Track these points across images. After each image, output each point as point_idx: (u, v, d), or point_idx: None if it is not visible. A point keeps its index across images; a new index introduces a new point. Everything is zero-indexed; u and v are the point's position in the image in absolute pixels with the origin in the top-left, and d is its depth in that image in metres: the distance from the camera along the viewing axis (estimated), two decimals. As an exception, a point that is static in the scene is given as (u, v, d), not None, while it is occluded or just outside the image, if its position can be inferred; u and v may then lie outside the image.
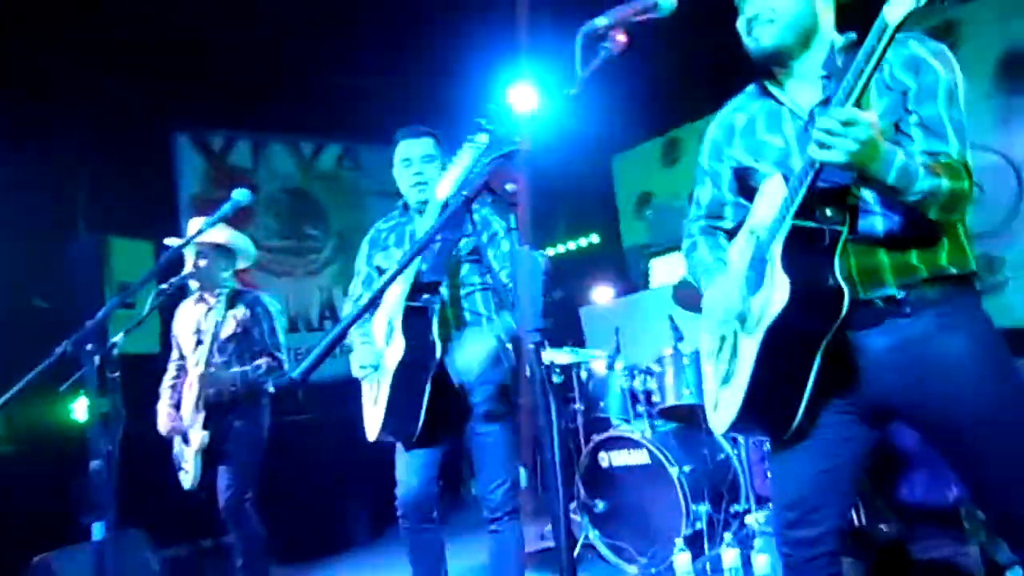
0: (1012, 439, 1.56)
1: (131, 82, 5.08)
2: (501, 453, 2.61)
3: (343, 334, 1.23)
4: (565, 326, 5.29)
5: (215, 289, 3.61)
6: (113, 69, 4.96)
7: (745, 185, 1.84)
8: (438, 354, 2.42)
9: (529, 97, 6.76)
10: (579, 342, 5.28)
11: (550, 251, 7.01)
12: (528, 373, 1.26)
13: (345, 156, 6.39)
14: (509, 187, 1.30)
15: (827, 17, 1.71)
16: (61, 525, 4.31)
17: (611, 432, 3.73)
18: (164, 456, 3.68)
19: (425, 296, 2.46)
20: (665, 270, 5.83)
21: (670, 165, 6.91)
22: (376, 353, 2.56)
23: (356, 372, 2.62)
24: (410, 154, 2.67)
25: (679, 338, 3.70)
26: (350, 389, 2.86)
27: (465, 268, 2.62)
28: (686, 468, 3.44)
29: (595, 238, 7.16)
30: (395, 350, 2.47)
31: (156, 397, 3.74)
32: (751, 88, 1.85)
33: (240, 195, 2.56)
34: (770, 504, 3.45)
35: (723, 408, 1.77)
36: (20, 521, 4.19)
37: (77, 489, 4.37)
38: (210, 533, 4.79)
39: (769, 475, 3.40)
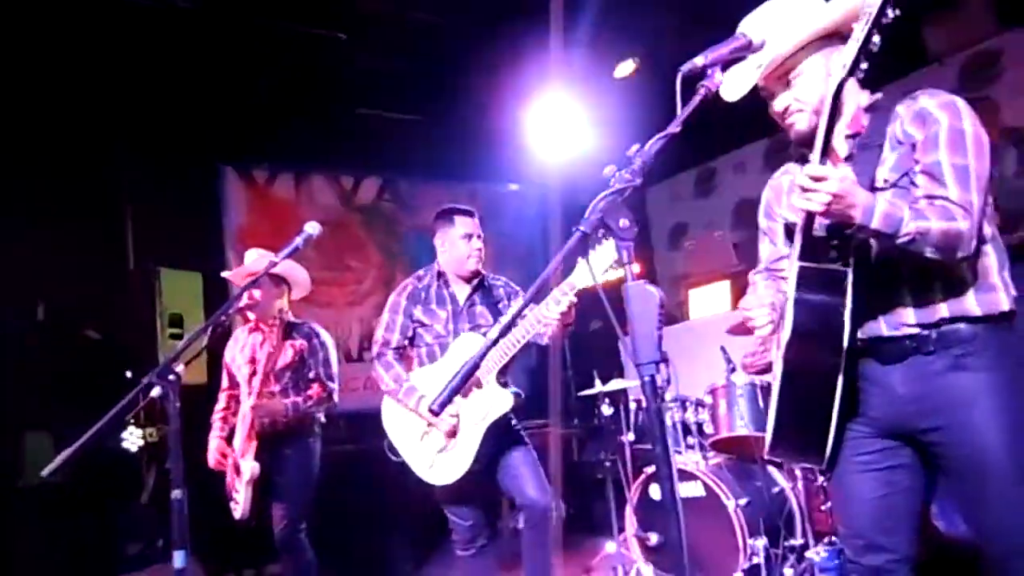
0: (1016, 486, 1.62)
1: (176, 115, 5.19)
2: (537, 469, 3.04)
3: (475, 367, 1.25)
4: (606, 358, 5.27)
5: (269, 319, 3.66)
6: (158, 103, 5.08)
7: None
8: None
9: (560, 131, 6.86)
10: (620, 373, 5.27)
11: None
12: (644, 404, 1.27)
13: (384, 189, 6.47)
14: (623, 223, 1.32)
15: (853, 83, 1.78)
16: (106, 552, 4.33)
17: (662, 464, 3.69)
18: (209, 485, 3.68)
19: None
20: (703, 301, 5.82)
21: (704, 196, 6.94)
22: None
23: (439, 422, 2.93)
24: (472, 230, 3.16)
25: (732, 369, 3.68)
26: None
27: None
28: (742, 501, 3.41)
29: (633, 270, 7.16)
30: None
31: (204, 426, 3.76)
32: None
33: (311, 227, 2.59)
34: (827, 539, 3.43)
35: (767, 433, 1.87)
36: (66, 548, 4.21)
37: (125, 519, 4.39)
38: (254, 563, 4.79)
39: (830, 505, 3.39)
